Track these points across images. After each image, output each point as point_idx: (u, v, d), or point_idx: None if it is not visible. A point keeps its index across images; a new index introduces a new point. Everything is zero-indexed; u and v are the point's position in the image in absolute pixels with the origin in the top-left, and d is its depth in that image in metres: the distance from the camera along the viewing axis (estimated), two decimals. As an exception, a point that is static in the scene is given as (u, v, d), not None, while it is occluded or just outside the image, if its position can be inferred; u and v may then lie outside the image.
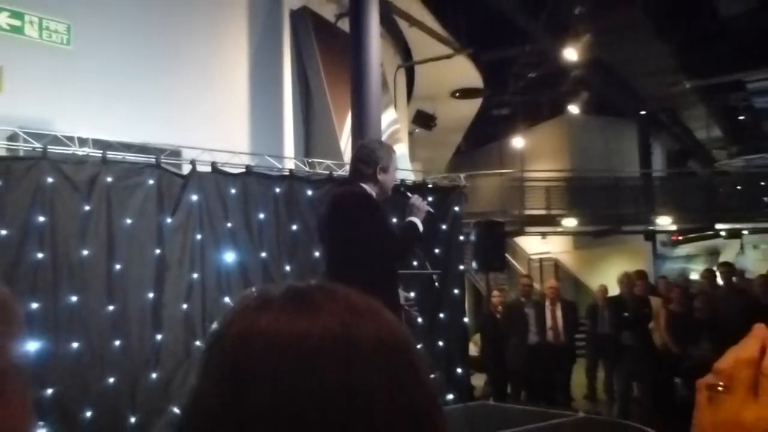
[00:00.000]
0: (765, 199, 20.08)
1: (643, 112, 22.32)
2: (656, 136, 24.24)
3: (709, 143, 24.98)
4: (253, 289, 0.78)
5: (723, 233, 21.16)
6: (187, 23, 9.50)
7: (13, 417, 0.73)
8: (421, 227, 4.38)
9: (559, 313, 9.94)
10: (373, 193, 4.31)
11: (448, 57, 14.62)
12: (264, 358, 0.67)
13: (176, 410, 6.45)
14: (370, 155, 4.37)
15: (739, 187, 20.80)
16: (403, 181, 9.15)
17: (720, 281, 10.89)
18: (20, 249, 5.99)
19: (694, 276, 18.01)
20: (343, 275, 4.10)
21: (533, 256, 21.29)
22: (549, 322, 9.92)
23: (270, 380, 0.66)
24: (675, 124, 23.98)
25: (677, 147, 26.36)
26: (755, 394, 0.74)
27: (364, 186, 4.31)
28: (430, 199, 8.85)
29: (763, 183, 20.48)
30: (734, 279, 11.04)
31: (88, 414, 6.10)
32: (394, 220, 5.82)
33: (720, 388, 0.75)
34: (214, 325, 0.76)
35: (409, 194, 4.80)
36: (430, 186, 9.31)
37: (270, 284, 0.82)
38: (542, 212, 19.08)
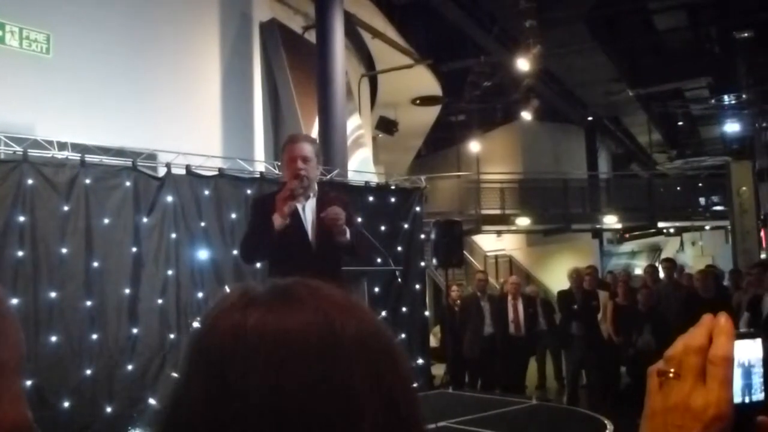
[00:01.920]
0: (701, 199, 20.42)
1: (589, 119, 22.56)
2: (601, 140, 24.51)
3: (651, 147, 25.30)
4: (230, 287, 0.76)
5: (667, 230, 21.50)
6: (162, 34, 9.42)
7: (7, 413, 0.70)
8: (276, 224, 3.84)
9: (520, 307, 10.05)
10: (289, 185, 3.92)
11: (409, 67, 14.65)
12: (252, 353, 0.66)
13: (151, 400, 6.41)
14: None
15: (678, 188, 21.14)
16: (367, 183, 9.18)
17: (662, 275, 11.03)
18: (1, 247, 5.91)
19: (638, 271, 18.24)
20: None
21: (489, 253, 21.39)
22: (511, 315, 10.01)
23: (258, 374, 0.65)
24: (619, 130, 24.26)
25: (621, 151, 26.67)
26: (703, 380, 0.74)
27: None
28: (393, 199, 8.89)
29: (700, 184, 20.81)
30: (675, 274, 11.20)
31: (66, 404, 6.03)
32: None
33: (670, 375, 0.75)
34: (198, 322, 0.75)
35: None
36: (392, 187, 9.33)
37: (246, 281, 0.80)
38: (497, 212, 19.22)
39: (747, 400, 0.76)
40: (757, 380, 0.76)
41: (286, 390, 0.65)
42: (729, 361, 0.74)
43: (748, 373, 0.76)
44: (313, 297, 0.72)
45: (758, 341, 0.77)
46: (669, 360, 0.76)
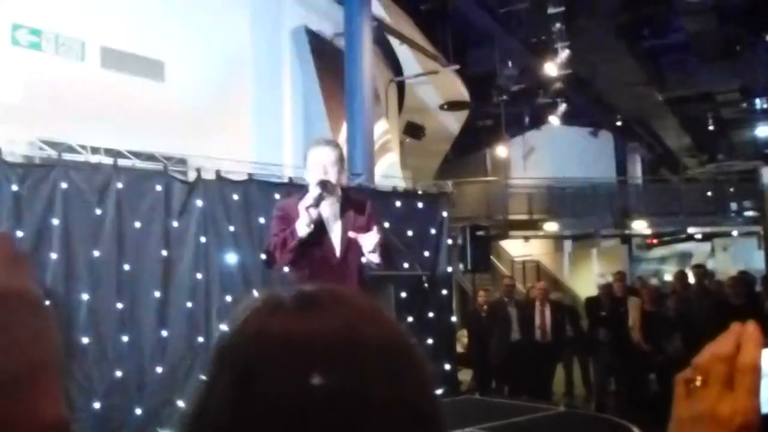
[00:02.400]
0: (732, 204, 20.17)
1: (618, 123, 22.40)
2: (631, 145, 24.34)
3: (681, 152, 25.06)
4: (259, 291, 0.78)
5: (697, 236, 21.26)
6: (193, 38, 9.53)
7: (46, 412, 0.68)
8: (300, 231, 3.87)
9: (547, 313, 9.99)
10: (312, 193, 3.93)
11: (436, 72, 14.67)
12: (276, 358, 0.68)
13: (180, 403, 6.48)
14: None
15: (709, 194, 20.90)
16: (394, 188, 9.20)
17: (692, 281, 10.92)
18: (35, 250, 5.99)
19: (668, 277, 18.08)
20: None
21: (516, 258, 21.27)
22: (538, 321, 9.95)
23: (281, 379, 0.67)
24: (648, 134, 24.06)
25: (650, 155, 26.47)
26: (731, 388, 0.74)
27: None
28: (420, 204, 8.91)
29: (732, 189, 20.56)
30: (706, 280, 11.08)
31: (97, 405, 6.11)
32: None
33: (697, 383, 0.75)
34: (225, 326, 0.76)
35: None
36: (419, 192, 9.34)
37: (274, 287, 0.82)
38: (524, 217, 19.16)
39: None
40: None
41: (309, 395, 0.66)
42: (756, 369, 0.74)
43: None
44: (337, 304, 0.74)
45: None
46: (696, 368, 0.76)
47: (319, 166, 3.97)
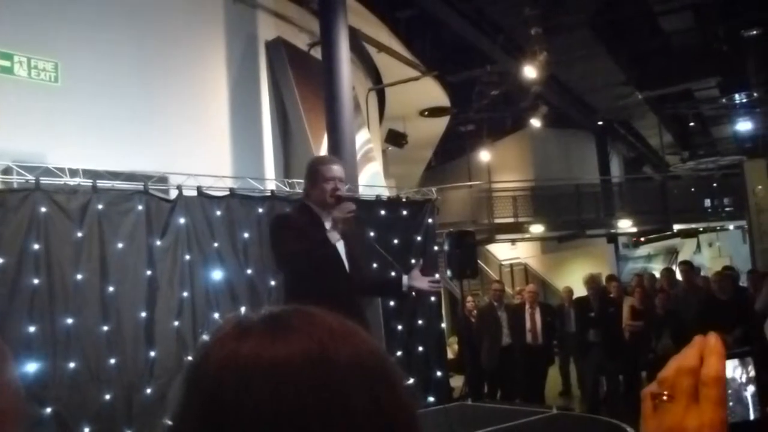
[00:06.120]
0: (715, 201, 20.31)
1: (599, 123, 22.52)
2: (613, 144, 24.45)
3: (662, 149, 25.22)
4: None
5: (682, 232, 21.39)
6: (169, 57, 9.48)
7: None
8: (333, 240, 4.06)
9: (538, 316, 10.02)
10: (314, 207, 4.22)
11: (416, 79, 14.67)
12: (245, 384, 0.67)
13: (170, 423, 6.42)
14: (306, 172, 4.36)
15: (692, 189, 21.04)
16: (378, 197, 9.18)
17: (679, 278, 10.98)
18: (17, 276, 5.93)
19: (656, 274, 18.16)
20: (288, 294, 4.18)
21: (504, 262, 21.35)
22: (528, 324, 9.98)
23: (252, 405, 0.66)
24: (630, 133, 24.20)
25: (633, 154, 26.61)
26: (697, 402, 0.75)
27: (307, 202, 4.30)
28: (404, 212, 8.90)
29: (714, 185, 20.70)
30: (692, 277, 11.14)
31: (87, 430, 6.03)
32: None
33: (664, 398, 0.77)
34: (194, 354, 0.76)
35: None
36: (404, 200, 9.34)
37: (247, 310, 0.80)
38: (510, 220, 19.21)
39: (740, 419, 0.78)
40: (750, 399, 0.78)
41: (281, 419, 0.65)
42: (721, 381, 0.74)
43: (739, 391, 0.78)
44: (307, 324, 0.72)
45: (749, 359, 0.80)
46: (662, 382, 0.77)
47: (334, 181, 4.16)
